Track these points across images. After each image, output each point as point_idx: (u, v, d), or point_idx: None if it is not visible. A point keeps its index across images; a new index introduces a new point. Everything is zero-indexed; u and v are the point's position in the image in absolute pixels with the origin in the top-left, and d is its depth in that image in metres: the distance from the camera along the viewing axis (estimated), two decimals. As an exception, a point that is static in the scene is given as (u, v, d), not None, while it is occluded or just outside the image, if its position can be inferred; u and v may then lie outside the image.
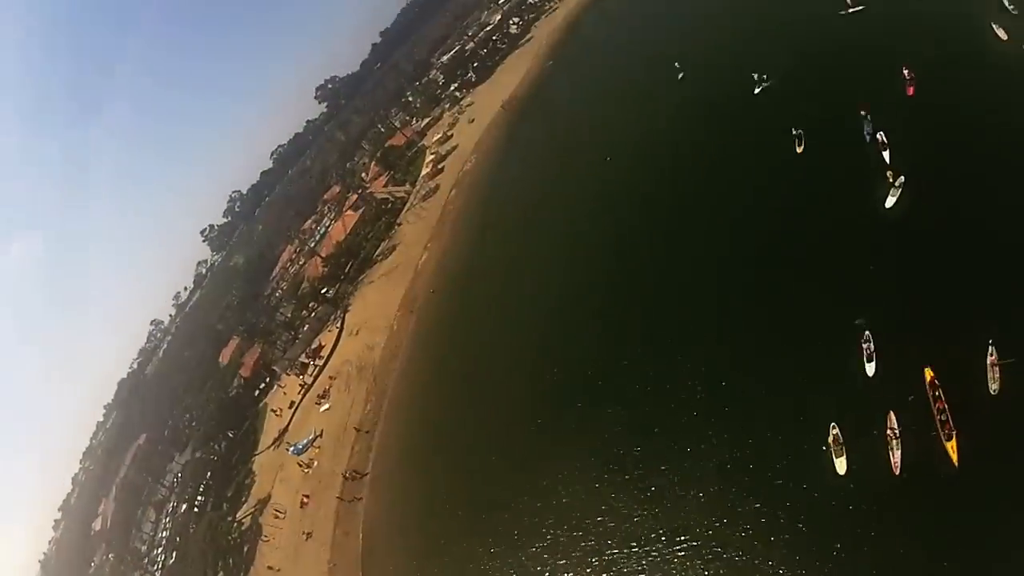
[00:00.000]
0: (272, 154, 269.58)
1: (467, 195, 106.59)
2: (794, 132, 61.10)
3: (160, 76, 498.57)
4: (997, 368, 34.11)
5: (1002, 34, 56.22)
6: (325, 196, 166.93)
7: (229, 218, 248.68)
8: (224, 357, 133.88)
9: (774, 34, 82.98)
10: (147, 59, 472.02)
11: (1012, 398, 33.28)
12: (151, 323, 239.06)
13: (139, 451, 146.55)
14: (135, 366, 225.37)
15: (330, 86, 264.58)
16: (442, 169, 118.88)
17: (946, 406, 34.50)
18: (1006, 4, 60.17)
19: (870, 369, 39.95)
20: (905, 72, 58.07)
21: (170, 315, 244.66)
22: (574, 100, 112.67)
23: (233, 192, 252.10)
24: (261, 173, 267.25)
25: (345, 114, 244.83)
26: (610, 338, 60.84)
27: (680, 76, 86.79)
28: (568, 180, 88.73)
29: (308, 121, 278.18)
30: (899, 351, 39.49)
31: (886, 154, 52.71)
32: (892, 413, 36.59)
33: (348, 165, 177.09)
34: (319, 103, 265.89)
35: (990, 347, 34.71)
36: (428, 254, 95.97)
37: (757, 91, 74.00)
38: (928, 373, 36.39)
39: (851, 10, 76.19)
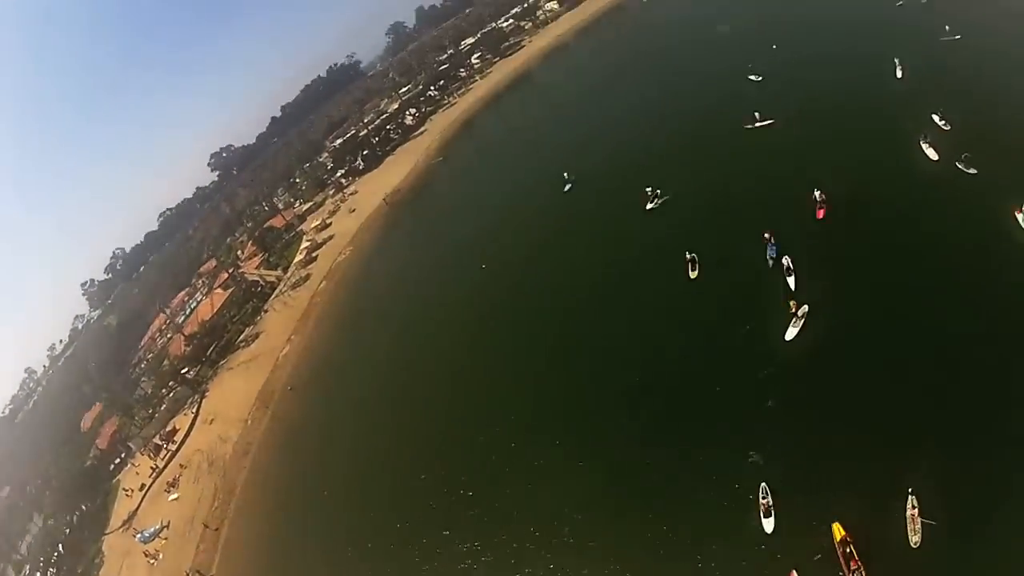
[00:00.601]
0: (160, 216, 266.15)
1: (337, 289, 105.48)
2: (688, 255, 59.12)
3: (57, 126, 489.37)
4: (918, 520, 32.95)
5: (932, 153, 57.66)
6: (200, 269, 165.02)
7: (110, 275, 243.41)
8: (86, 423, 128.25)
9: (675, 148, 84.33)
10: (43, 110, 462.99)
11: (936, 550, 31.96)
12: (25, 371, 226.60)
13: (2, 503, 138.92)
14: (7, 412, 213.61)
15: (224, 155, 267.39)
16: (316, 258, 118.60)
17: (860, 565, 32.71)
18: (937, 121, 62.59)
19: (768, 525, 36.97)
20: (817, 194, 57.65)
21: (44, 365, 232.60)
22: (457, 201, 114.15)
23: (116, 249, 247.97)
24: (146, 234, 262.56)
25: (234, 186, 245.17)
26: (462, 468, 54.88)
27: (567, 187, 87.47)
28: (442, 285, 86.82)
29: (199, 188, 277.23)
30: (802, 503, 36.90)
31: (791, 280, 51.24)
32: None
33: (228, 240, 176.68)
34: (212, 171, 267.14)
35: (909, 496, 33.57)
36: (290, 347, 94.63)
37: (650, 207, 72.99)
38: (837, 529, 34.09)
39: (758, 124, 77.76)
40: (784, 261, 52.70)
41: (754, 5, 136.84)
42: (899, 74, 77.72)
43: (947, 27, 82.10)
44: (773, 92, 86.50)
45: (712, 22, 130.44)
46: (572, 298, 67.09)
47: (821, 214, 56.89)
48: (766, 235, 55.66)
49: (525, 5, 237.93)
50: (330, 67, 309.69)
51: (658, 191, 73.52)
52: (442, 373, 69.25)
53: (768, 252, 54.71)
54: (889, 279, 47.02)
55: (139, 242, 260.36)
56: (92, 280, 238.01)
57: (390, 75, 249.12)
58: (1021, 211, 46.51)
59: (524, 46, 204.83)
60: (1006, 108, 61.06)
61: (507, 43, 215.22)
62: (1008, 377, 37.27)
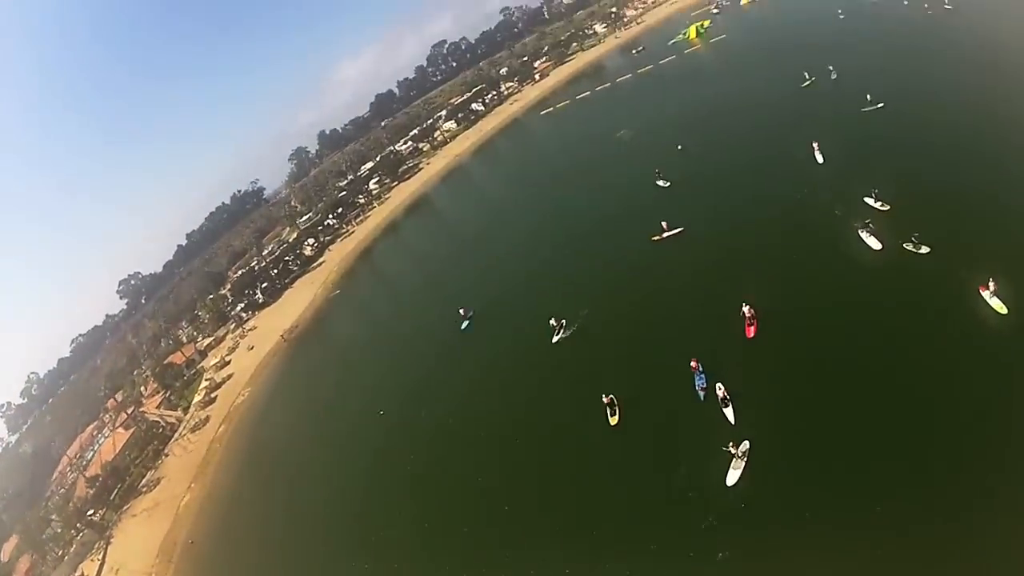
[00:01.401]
0: (72, 342, 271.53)
1: (235, 435, 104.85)
2: (605, 398, 53.16)
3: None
4: None
5: (873, 242, 55.79)
6: (108, 404, 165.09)
7: (26, 399, 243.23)
8: (5, 553, 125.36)
9: (581, 269, 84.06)
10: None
11: None
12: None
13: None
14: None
15: (133, 282, 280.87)
16: (215, 399, 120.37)
17: None
18: (873, 203, 61.70)
19: None
20: (744, 310, 54.21)
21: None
22: (354, 339, 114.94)
23: (31, 373, 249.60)
24: (59, 360, 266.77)
25: (140, 316, 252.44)
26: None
27: (464, 325, 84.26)
28: (339, 432, 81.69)
29: (108, 315, 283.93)
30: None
31: (728, 412, 46.82)
32: None
33: (134, 373, 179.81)
34: (120, 298, 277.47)
35: None
36: (190, 496, 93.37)
37: (556, 339, 68.89)
38: None
39: (667, 235, 76.80)
40: (717, 391, 48.78)
41: (653, 106, 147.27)
42: (820, 158, 77.41)
43: (868, 96, 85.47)
44: (682, 197, 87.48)
45: (612, 128, 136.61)
46: (476, 453, 61.10)
47: (751, 332, 54.04)
48: (692, 363, 51.89)
49: (423, 126, 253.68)
50: (234, 194, 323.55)
51: (563, 320, 70.09)
52: (337, 526, 65.63)
53: (697, 382, 50.85)
54: (841, 397, 43.29)
55: (52, 367, 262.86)
56: (8, 403, 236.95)
57: (291, 203, 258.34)
58: (989, 287, 44.62)
59: (422, 168, 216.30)
60: (946, 174, 62.62)
61: (405, 166, 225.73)
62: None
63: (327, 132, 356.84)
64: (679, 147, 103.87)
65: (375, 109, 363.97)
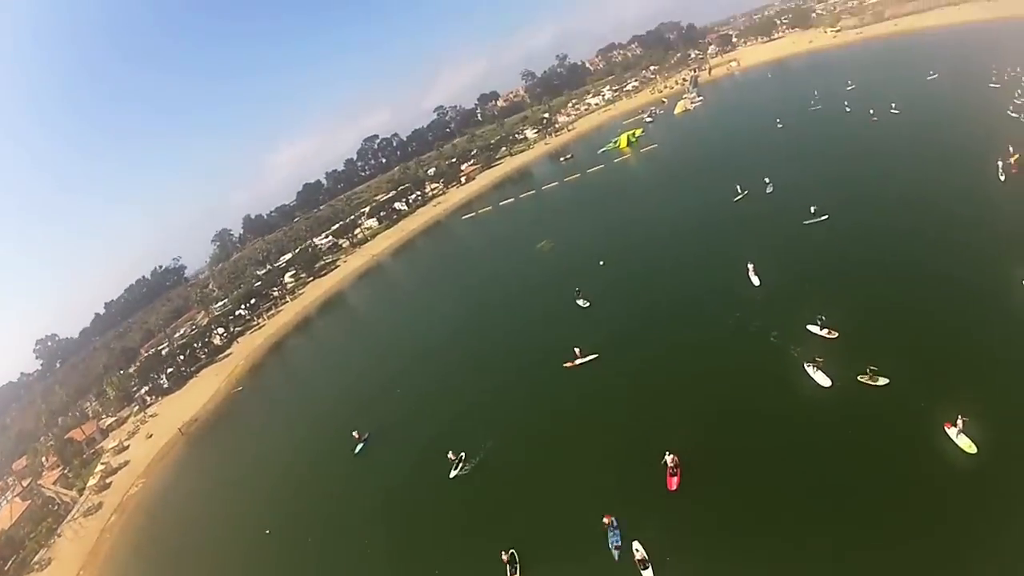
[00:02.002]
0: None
1: (126, 528, 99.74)
2: (504, 556, 48.80)
3: None
4: None
5: (822, 378, 52.05)
6: (14, 465, 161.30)
7: None
8: None
9: (487, 397, 77.74)
10: None
11: None
12: None
13: None
14: None
15: (49, 343, 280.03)
16: (110, 484, 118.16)
17: None
18: (818, 331, 59.22)
19: None
20: (668, 458, 49.83)
21: None
22: (249, 444, 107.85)
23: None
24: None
25: (52, 381, 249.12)
26: None
27: (358, 449, 78.55)
28: (224, 545, 76.03)
29: (23, 373, 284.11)
30: None
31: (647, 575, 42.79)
32: None
33: (40, 440, 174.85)
34: (36, 358, 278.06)
35: None
36: None
37: (454, 474, 63.95)
38: None
39: (580, 361, 73.24)
40: (635, 551, 44.77)
41: (577, 216, 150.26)
42: (755, 280, 75.34)
43: (812, 208, 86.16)
44: (602, 319, 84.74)
45: (533, 238, 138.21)
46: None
47: (674, 484, 49.39)
48: (605, 519, 47.40)
49: (345, 222, 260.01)
50: (154, 269, 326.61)
51: (463, 453, 65.42)
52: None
53: (611, 540, 46.58)
54: (786, 562, 39.55)
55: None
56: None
57: (209, 286, 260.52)
58: (956, 424, 41.85)
59: (340, 265, 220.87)
60: (901, 294, 61.12)
61: (323, 262, 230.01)
62: None
63: (252, 216, 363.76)
64: (601, 263, 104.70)
65: (302, 198, 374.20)
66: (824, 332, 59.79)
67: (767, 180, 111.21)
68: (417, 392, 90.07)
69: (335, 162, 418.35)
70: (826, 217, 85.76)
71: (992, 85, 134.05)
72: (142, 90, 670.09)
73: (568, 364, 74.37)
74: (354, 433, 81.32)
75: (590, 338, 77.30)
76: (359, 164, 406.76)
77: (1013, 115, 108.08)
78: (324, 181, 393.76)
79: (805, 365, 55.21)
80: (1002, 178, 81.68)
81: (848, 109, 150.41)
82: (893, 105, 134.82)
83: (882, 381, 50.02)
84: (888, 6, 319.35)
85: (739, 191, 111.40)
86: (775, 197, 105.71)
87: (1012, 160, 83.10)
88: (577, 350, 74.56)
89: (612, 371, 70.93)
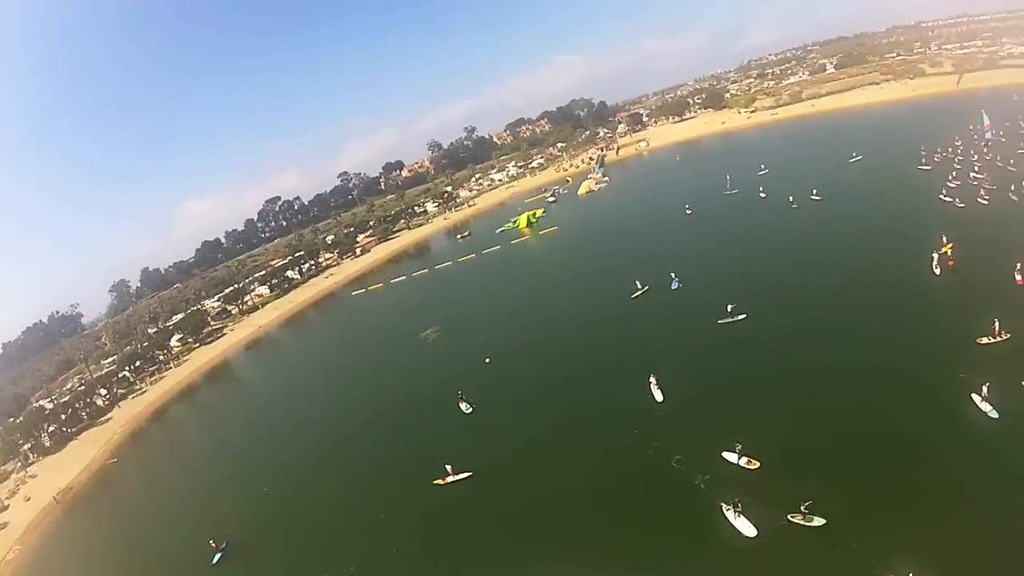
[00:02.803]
0: None
1: None
2: None
3: None
4: None
5: (745, 527, 46.69)
6: None
7: None
8: None
9: (355, 513, 73.04)
10: None
11: None
12: None
13: None
14: None
15: None
16: None
17: None
18: (735, 459, 54.10)
19: None
20: None
21: None
22: (116, 527, 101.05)
23: None
24: None
25: None
26: None
27: (215, 559, 71.30)
28: None
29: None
30: None
31: None
32: None
33: None
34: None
35: None
36: None
37: None
38: None
39: (451, 479, 69.03)
40: None
41: (466, 302, 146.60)
42: (658, 395, 69.03)
43: (729, 307, 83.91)
44: (483, 429, 79.48)
45: (420, 323, 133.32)
46: None
47: None
48: None
49: (237, 286, 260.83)
50: (51, 314, 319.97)
51: None
52: None
53: None
54: None
55: None
56: None
57: (102, 339, 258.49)
58: None
59: (227, 333, 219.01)
60: (834, 410, 58.03)
61: (210, 328, 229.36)
62: None
63: (150, 270, 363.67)
64: (487, 360, 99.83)
65: (200, 256, 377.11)
66: (743, 461, 53.55)
67: (673, 275, 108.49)
68: (284, 495, 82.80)
69: (243, 218, 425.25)
70: (743, 317, 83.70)
71: (921, 167, 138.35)
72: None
73: (439, 481, 69.13)
74: (211, 541, 73.69)
75: (470, 450, 72.81)
76: (259, 225, 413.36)
77: (946, 199, 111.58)
78: (223, 240, 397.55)
79: (724, 509, 48.39)
80: (937, 271, 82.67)
81: (763, 195, 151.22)
82: (814, 191, 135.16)
83: (818, 521, 44.80)
84: (805, 86, 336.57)
85: (638, 286, 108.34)
86: (683, 293, 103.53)
87: (945, 250, 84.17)
88: (449, 467, 69.37)
89: (487, 493, 65.83)
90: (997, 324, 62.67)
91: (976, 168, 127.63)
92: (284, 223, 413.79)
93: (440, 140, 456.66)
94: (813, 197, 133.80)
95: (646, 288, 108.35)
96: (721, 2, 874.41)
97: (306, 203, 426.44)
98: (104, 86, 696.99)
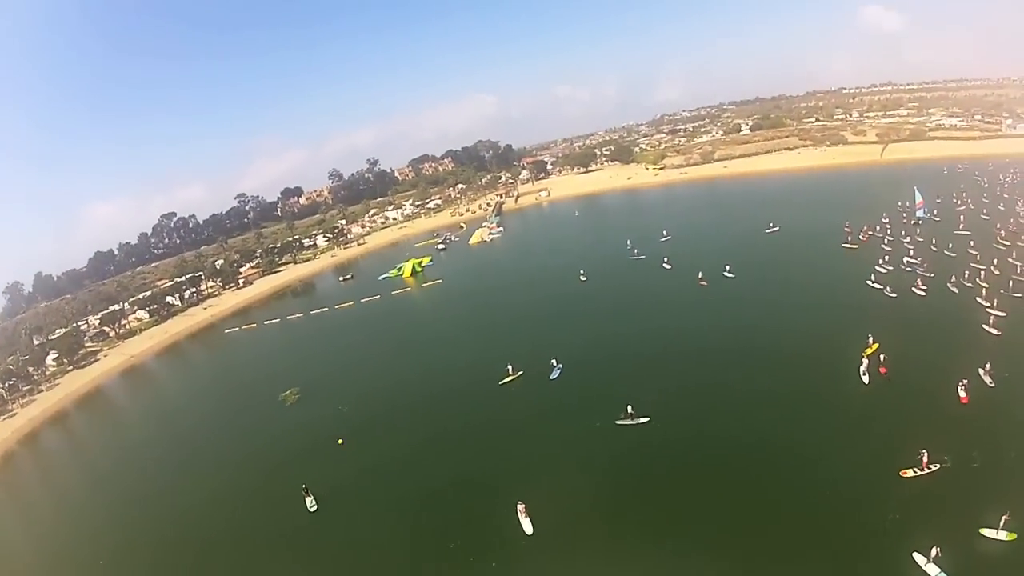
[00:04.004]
0: None
1: None
2: None
3: None
4: None
5: None
6: None
7: None
8: None
9: None
10: None
11: None
12: None
13: None
14: None
15: None
16: None
17: None
18: None
19: None
20: None
21: None
22: None
23: None
24: None
25: None
26: None
27: None
28: None
29: None
30: None
31: None
32: None
33: None
34: None
35: None
36: None
37: None
38: None
39: None
40: None
41: (331, 359, 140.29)
42: (527, 527, 63.26)
43: (629, 407, 77.16)
44: (327, 532, 72.08)
45: (284, 378, 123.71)
46: None
47: None
48: None
49: (118, 307, 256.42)
50: None
51: None
52: None
53: None
54: None
55: None
56: None
57: None
58: None
59: (101, 359, 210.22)
60: (754, 544, 54.87)
61: (85, 349, 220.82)
62: None
63: (43, 274, 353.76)
64: (340, 442, 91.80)
65: (92, 266, 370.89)
66: None
67: (555, 361, 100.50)
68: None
69: (146, 227, 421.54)
70: (646, 420, 76.96)
71: (846, 245, 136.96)
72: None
73: None
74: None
75: (313, 565, 66.44)
76: (152, 240, 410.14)
77: (875, 286, 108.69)
78: (116, 252, 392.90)
79: None
80: (865, 379, 77.59)
81: (668, 266, 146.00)
82: (727, 267, 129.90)
83: None
84: (718, 147, 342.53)
85: (510, 371, 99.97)
86: (564, 384, 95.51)
87: (871, 350, 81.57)
88: None
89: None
90: (925, 455, 58.86)
91: (910, 252, 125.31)
92: (178, 241, 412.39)
93: (346, 167, 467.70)
94: (726, 274, 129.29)
95: (519, 374, 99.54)
96: (637, 53, 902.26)
97: (201, 222, 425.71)
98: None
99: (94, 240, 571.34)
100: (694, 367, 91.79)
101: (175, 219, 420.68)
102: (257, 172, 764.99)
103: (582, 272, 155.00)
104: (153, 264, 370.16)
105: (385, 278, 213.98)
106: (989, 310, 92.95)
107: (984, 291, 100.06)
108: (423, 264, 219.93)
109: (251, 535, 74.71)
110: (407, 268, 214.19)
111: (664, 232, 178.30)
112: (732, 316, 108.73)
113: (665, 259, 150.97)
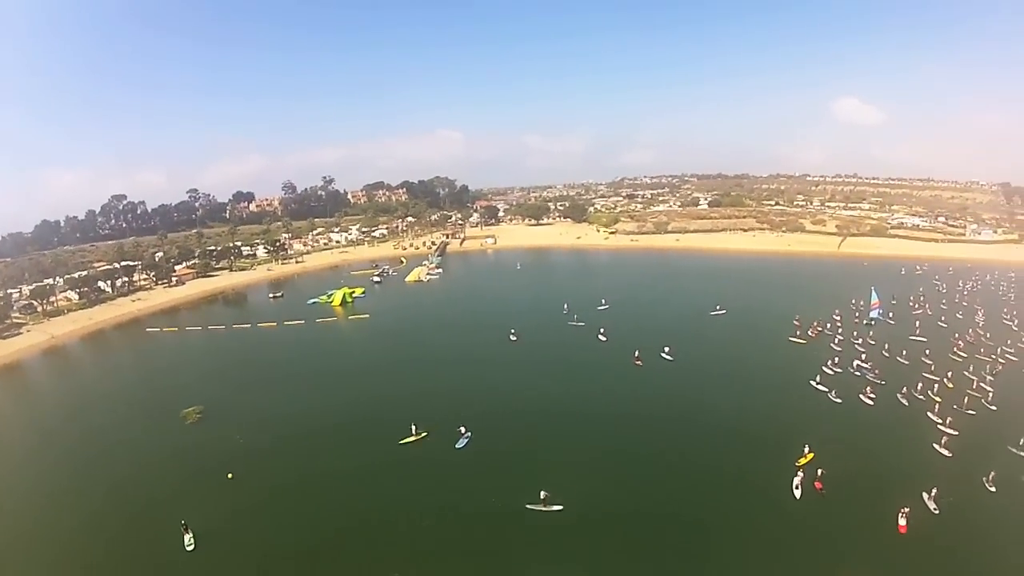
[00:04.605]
0: None
1: None
2: None
3: None
4: None
5: None
6: None
7: None
8: None
9: None
10: None
11: None
12: None
13: None
14: None
15: None
16: None
17: None
18: None
19: None
20: None
21: None
22: None
23: None
24: None
25: None
26: None
27: None
28: None
29: None
30: None
31: None
32: None
33: None
34: None
35: None
36: None
37: None
38: None
39: None
40: None
41: (245, 378, 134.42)
42: None
43: (542, 495, 72.97)
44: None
45: (191, 393, 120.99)
46: None
47: None
48: None
49: (49, 282, 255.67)
50: None
51: None
52: None
53: None
54: None
55: None
56: None
57: None
58: None
59: (24, 333, 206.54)
60: None
61: (11, 320, 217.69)
62: None
63: None
64: (230, 475, 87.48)
65: (36, 234, 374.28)
66: None
67: (463, 429, 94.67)
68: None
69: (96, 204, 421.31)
70: (559, 509, 72.50)
71: (794, 339, 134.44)
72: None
73: None
74: None
75: None
76: (100, 220, 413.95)
77: (820, 388, 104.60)
78: (63, 224, 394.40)
79: None
80: (797, 494, 73.53)
81: (603, 338, 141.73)
82: (666, 349, 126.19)
83: None
84: (674, 218, 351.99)
85: (413, 431, 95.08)
86: (470, 455, 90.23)
87: (805, 460, 78.28)
88: None
89: None
90: None
91: (861, 356, 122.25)
92: (124, 225, 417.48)
93: (303, 181, 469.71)
94: (664, 355, 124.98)
95: (423, 435, 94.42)
96: (610, 112, 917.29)
97: (149, 211, 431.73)
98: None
99: (49, 207, 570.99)
100: (618, 454, 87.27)
101: (124, 202, 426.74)
102: (218, 169, 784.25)
103: (513, 331, 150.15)
104: (95, 244, 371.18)
105: (314, 303, 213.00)
106: (941, 427, 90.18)
107: (937, 407, 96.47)
108: (355, 294, 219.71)
109: (119, 572, 69.14)
110: (337, 297, 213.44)
111: (603, 301, 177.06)
112: (665, 403, 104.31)
113: (601, 330, 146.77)
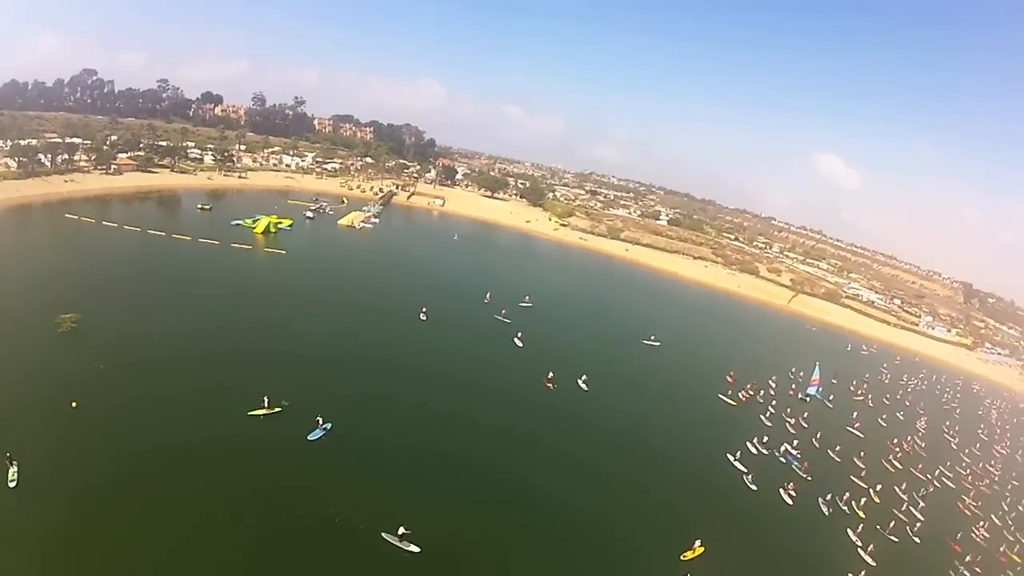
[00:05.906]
0: None
1: None
2: None
3: None
4: None
5: None
6: None
7: None
8: None
9: None
10: None
11: None
12: None
13: None
14: None
15: None
16: None
17: None
18: None
19: None
20: None
21: None
22: None
23: None
24: None
25: None
26: None
27: None
28: None
29: None
30: None
31: None
32: None
33: None
34: None
35: None
36: None
37: None
38: None
39: None
40: None
41: (139, 291, 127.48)
42: None
43: (401, 530, 65.42)
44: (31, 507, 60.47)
45: (75, 296, 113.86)
46: None
47: None
48: None
49: None
50: None
51: None
52: None
53: None
54: None
55: None
56: None
57: None
58: None
59: None
60: None
61: None
62: None
63: None
64: (74, 404, 79.92)
65: (2, 91, 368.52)
66: None
67: (320, 420, 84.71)
68: None
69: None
70: (417, 551, 65.57)
71: (724, 398, 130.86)
72: None
73: None
74: None
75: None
76: (66, 91, 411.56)
77: (739, 467, 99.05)
78: (29, 86, 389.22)
79: None
80: None
81: (520, 343, 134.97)
82: (584, 377, 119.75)
83: None
84: (629, 227, 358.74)
85: (265, 403, 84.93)
86: (323, 451, 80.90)
87: (693, 556, 72.99)
88: None
89: None
90: None
91: (793, 442, 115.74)
92: (88, 101, 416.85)
93: (276, 97, 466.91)
94: (580, 384, 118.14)
95: (276, 410, 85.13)
96: (595, 102, 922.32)
97: (116, 92, 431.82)
98: None
99: (24, 69, 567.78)
100: (497, 501, 78.85)
101: (94, 77, 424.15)
102: (199, 68, 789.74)
103: (424, 310, 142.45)
104: (57, 114, 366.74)
105: (238, 224, 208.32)
106: (860, 552, 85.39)
107: (860, 526, 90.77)
108: (280, 225, 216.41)
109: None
110: (261, 224, 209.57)
111: (526, 297, 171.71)
112: (562, 449, 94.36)
113: (519, 334, 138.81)
